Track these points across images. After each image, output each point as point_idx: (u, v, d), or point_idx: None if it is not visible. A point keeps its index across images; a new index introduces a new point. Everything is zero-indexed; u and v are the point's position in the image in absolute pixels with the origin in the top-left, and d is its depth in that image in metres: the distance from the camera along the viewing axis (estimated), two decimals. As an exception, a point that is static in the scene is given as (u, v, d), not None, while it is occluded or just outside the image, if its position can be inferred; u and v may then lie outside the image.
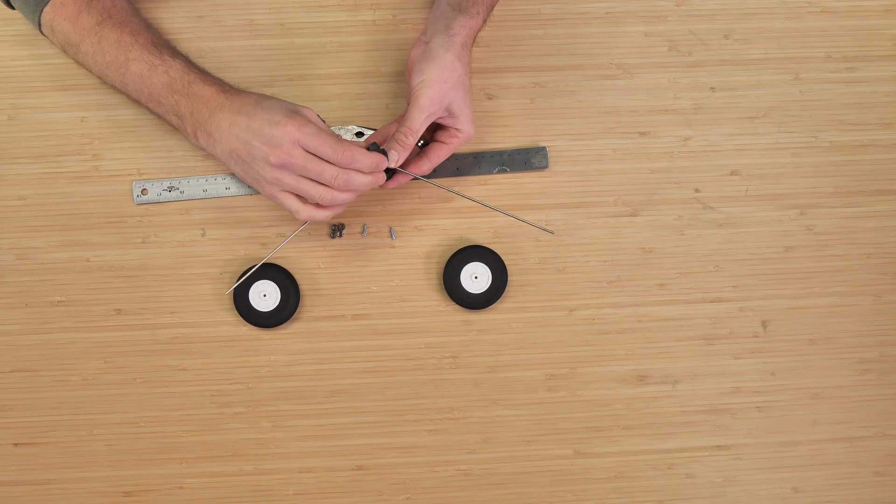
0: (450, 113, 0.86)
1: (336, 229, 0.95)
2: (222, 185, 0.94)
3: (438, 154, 0.88)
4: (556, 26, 0.96)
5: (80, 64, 0.88)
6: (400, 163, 0.85)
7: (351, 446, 0.95)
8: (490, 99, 0.95)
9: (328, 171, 0.81)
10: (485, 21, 0.89)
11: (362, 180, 0.83)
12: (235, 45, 0.93)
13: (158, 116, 0.87)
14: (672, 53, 0.96)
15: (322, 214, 0.85)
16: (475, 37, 0.88)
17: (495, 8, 0.94)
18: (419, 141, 0.89)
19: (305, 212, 0.84)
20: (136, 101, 0.87)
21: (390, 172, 0.86)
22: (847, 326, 0.97)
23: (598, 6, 0.96)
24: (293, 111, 0.81)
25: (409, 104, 0.85)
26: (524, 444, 0.96)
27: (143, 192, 0.93)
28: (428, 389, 0.95)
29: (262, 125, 0.81)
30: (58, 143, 0.93)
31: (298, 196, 0.84)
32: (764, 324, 0.97)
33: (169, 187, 0.93)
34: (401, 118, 0.87)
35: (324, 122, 0.84)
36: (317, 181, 0.82)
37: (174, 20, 0.93)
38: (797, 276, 0.97)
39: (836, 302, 0.97)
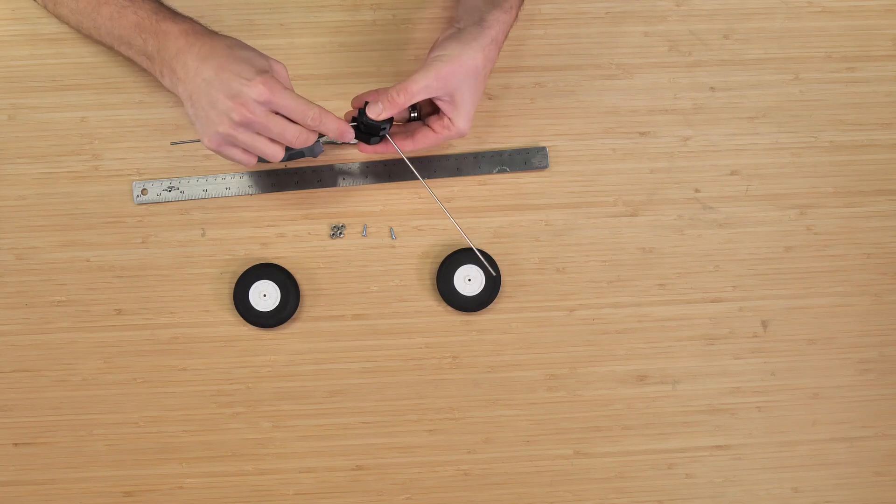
0: (451, 99, 0.84)
1: (336, 229, 0.95)
2: (222, 185, 0.94)
3: (423, 140, 0.86)
4: (556, 26, 0.96)
5: (57, 16, 0.88)
6: (382, 117, 0.82)
7: (351, 446, 0.95)
8: (490, 99, 0.95)
9: (290, 131, 0.79)
10: (516, 16, 0.87)
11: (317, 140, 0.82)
12: (235, 45, 0.93)
13: (130, 60, 0.87)
14: (672, 53, 0.96)
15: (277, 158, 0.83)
16: (507, 33, 0.86)
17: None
18: (414, 113, 0.87)
19: (254, 162, 0.83)
20: (110, 47, 0.87)
21: (377, 138, 0.85)
22: (847, 326, 0.97)
23: (598, 6, 0.96)
24: (264, 69, 0.79)
25: (416, 71, 0.83)
26: (524, 444, 0.96)
27: (143, 192, 0.94)
28: (428, 389, 0.95)
29: (231, 78, 0.78)
30: (58, 143, 0.94)
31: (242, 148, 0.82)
32: (764, 324, 0.97)
33: (169, 187, 0.94)
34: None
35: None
36: (273, 139, 0.80)
37: (174, 20, 0.93)
38: (797, 276, 0.97)
39: (836, 302, 0.97)
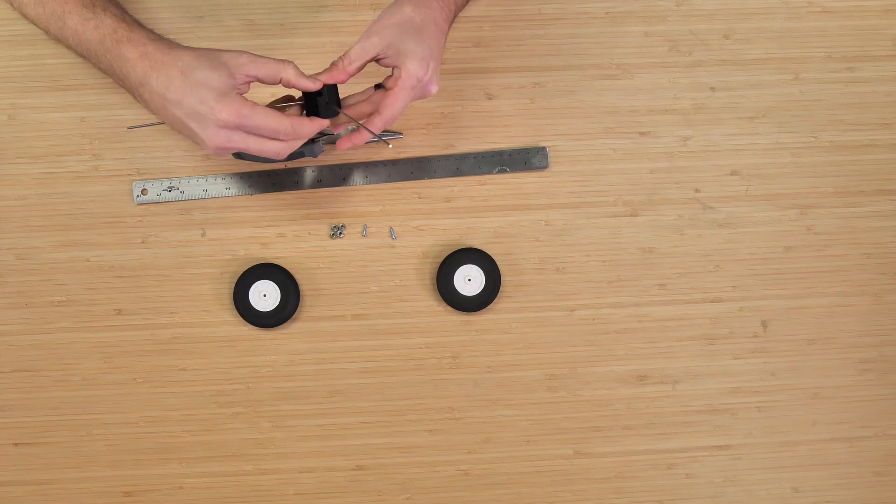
0: (397, 51, 0.82)
1: (336, 229, 0.95)
2: (222, 185, 0.94)
3: (387, 103, 0.83)
4: (556, 26, 0.96)
5: (25, 16, 0.85)
6: (324, 80, 0.81)
7: (351, 446, 0.95)
8: (490, 99, 0.95)
9: (269, 148, 0.79)
10: None
11: (302, 142, 0.82)
12: (235, 45, 0.93)
13: (104, 73, 0.83)
14: (672, 53, 0.96)
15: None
16: None
17: (496, 8, 0.95)
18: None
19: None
20: (84, 58, 0.83)
21: (325, 109, 0.83)
22: (847, 326, 0.97)
23: (598, 6, 0.96)
24: (224, 90, 0.77)
25: None
26: (524, 444, 0.96)
27: (143, 192, 0.94)
28: (428, 389, 0.95)
29: (196, 106, 0.77)
30: (58, 143, 0.93)
31: None
32: (764, 324, 0.97)
33: (169, 187, 0.94)
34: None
35: (259, 56, 0.79)
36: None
37: (174, 20, 0.93)
38: (797, 276, 0.97)
39: (836, 302, 0.97)
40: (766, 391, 0.97)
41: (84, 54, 0.83)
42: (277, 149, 0.80)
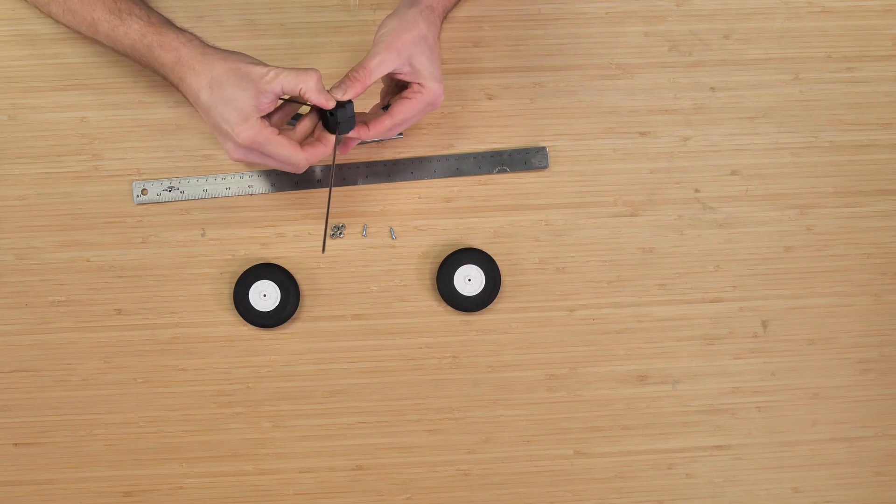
0: (412, 68, 0.84)
1: (336, 229, 0.95)
2: (222, 185, 0.94)
3: (401, 109, 0.84)
4: (556, 26, 0.96)
5: (56, 21, 0.88)
6: (346, 97, 0.81)
7: (351, 446, 0.95)
8: (490, 99, 0.95)
9: (285, 168, 0.84)
10: None
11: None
12: (235, 45, 0.93)
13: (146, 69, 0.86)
14: (672, 53, 0.96)
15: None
16: (446, 6, 0.88)
17: (496, 8, 0.95)
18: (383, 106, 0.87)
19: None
20: (124, 56, 0.86)
21: (339, 125, 0.82)
22: (847, 326, 0.97)
23: (598, 6, 0.96)
24: (247, 113, 0.79)
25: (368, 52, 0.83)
26: (524, 444, 0.96)
27: (143, 192, 0.94)
28: (428, 389, 0.95)
29: (220, 122, 0.81)
30: (58, 143, 0.94)
31: None
32: (764, 324, 0.97)
33: (169, 187, 0.94)
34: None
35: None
36: None
37: (174, 20, 0.93)
38: (797, 276, 0.97)
39: (836, 302, 0.97)
40: (766, 391, 0.97)
41: (122, 54, 0.86)
42: (292, 170, 0.84)
